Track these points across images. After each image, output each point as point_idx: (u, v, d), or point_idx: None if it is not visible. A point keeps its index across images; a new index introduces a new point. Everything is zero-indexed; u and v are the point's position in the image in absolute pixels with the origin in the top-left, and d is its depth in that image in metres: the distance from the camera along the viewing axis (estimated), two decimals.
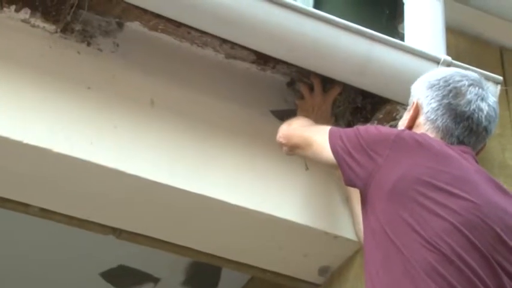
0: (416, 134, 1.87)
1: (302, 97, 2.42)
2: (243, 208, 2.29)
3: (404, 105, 2.34)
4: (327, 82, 2.41)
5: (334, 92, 2.40)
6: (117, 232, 2.51)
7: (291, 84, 2.55)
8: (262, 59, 2.45)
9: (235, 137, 2.39)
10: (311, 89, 2.41)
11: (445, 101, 1.93)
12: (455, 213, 1.72)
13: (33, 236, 3.32)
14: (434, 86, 1.97)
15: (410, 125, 1.99)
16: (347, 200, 2.34)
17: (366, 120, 2.46)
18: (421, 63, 2.37)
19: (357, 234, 2.32)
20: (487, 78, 2.37)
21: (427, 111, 1.95)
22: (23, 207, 2.41)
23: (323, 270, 2.62)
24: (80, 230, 2.52)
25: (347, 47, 2.30)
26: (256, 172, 2.37)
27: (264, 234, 2.40)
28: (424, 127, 1.95)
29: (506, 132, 2.65)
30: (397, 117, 2.43)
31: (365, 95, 2.48)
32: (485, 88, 1.96)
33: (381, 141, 1.85)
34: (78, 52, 2.33)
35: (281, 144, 2.23)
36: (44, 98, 2.24)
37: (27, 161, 2.24)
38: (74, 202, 2.40)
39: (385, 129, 1.93)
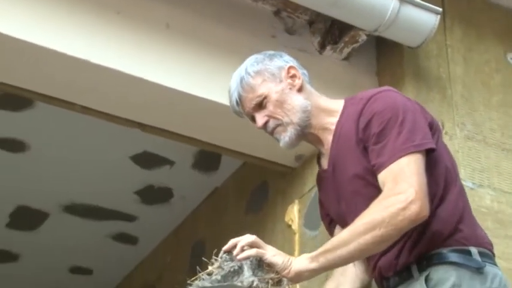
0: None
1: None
2: None
3: (364, 31, 2.55)
4: None
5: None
6: (142, 126, 2.79)
7: (277, 13, 2.77)
8: None
9: (234, 55, 2.60)
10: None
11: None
12: None
13: (75, 129, 3.61)
14: (283, 55, 2.05)
15: (302, 84, 2.01)
16: None
17: (335, 42, 2.67)
18: None
19: None
20: (428, 10, 2.58)
21: (302, 75, 2.04)
22: (69, 105, 2.71)
23: (298, 158, 2.92)
24: (113, 124, 2.84)
25: None
26: None
27: (255, 130, 2.48)
28: (308, 87, 2.04)
29: (442, 53, 2.82)
30: (359, 40, 2.63)
31: (334, 22, 2.68)
32: None
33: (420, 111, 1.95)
34: None
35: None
36: (80, 19, 2.49)
37: (70, 70, 2.52)
38: (108, 102, 2.69)
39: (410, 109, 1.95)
